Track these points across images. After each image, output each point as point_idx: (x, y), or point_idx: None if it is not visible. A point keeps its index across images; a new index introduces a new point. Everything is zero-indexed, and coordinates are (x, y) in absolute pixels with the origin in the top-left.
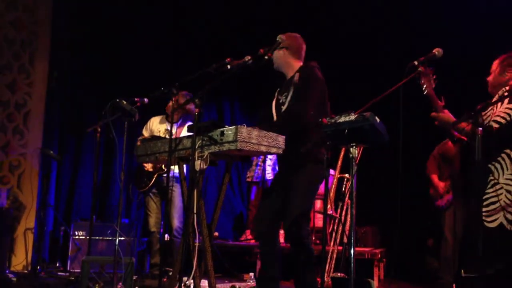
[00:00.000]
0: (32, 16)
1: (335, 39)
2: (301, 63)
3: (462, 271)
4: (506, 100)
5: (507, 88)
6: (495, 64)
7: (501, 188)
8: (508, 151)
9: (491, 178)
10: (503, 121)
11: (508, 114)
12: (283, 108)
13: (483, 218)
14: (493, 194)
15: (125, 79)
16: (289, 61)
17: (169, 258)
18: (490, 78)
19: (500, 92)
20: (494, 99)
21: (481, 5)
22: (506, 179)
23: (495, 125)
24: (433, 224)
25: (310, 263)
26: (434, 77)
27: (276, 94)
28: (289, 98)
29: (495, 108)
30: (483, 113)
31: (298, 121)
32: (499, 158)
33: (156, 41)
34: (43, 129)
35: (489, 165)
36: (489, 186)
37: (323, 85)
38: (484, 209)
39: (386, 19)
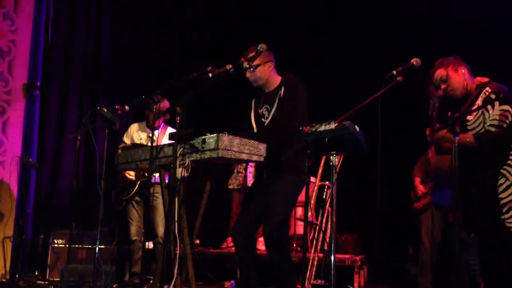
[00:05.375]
0: (12, 24)
1: (314, 46)
2: (280, 76)
3: None
4: (497, 103)
5: (489, 89)
6: (443, 71)
7: None
8: None
9: (505, 181)
10: (503, 124)
11: (506, 116)
12: (266, 121)
13: (506, 223)
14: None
15: (106, 86)
16: (272, 75)
17: (154, 265)
18: (446, 86)
19: (482, 95)
20: (475, 106)
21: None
22: None
23: (493, 129)
24: (411, 230)
25: (291, 269)
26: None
27: (253, 105)
28: (272, 111)
29: (485, 112)
30: (468, 118)
31: (282, 133)
32: (509, 161)
33: (139, 47)
34: (22, 137)
35: (501, 170)
36: (502, 189)
37: (305, 97)
38: (506, 215)
39: (367, 25)
